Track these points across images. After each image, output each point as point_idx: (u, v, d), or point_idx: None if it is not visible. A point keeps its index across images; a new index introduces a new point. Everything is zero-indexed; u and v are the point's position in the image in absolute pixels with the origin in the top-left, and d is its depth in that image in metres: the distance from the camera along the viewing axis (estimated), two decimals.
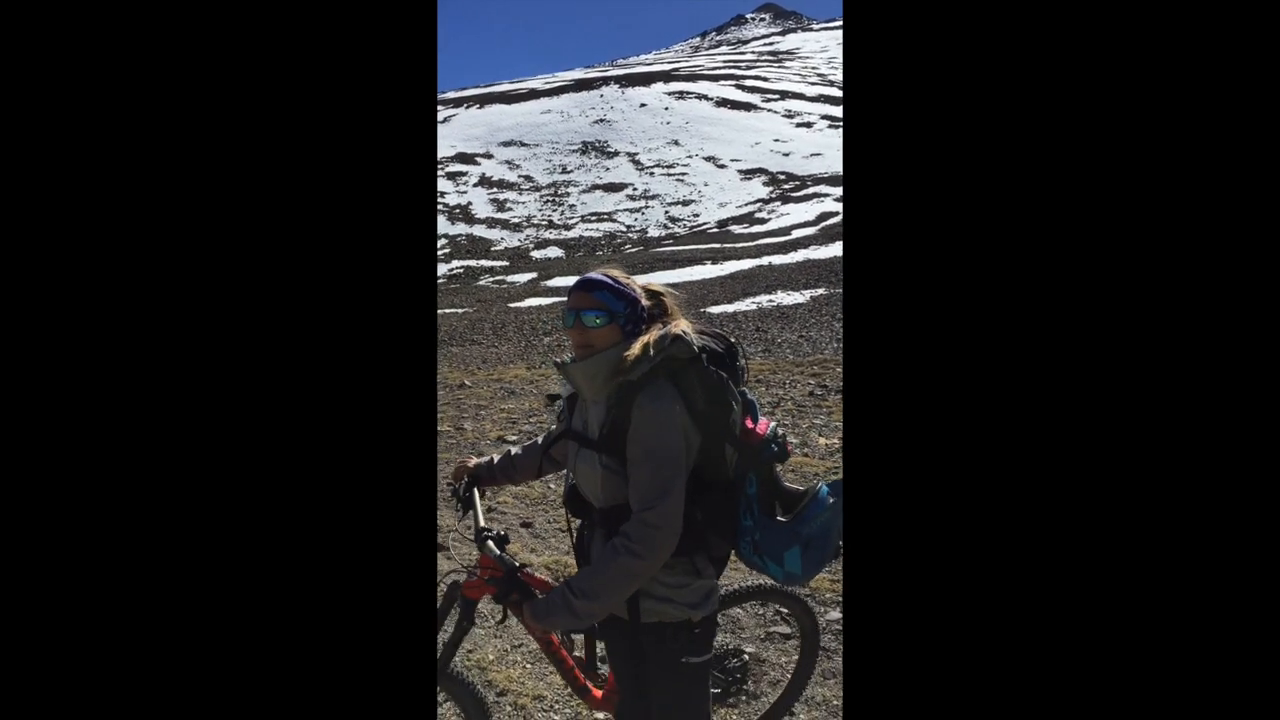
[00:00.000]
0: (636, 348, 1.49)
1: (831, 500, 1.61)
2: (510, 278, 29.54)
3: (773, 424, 1.63)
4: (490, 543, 1.80)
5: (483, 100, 73.57)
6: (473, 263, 35.89)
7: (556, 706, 2.60)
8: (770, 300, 14.92)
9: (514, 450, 2.00)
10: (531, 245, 39.73)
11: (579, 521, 1.75)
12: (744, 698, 2.42)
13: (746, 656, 2.39)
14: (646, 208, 44.92)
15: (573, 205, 47.04)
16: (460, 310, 18.84)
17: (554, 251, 37.61)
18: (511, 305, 21.09)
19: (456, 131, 62.29)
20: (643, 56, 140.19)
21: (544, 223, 44.25)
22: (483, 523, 1.88)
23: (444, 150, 56.99)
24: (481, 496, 2.02)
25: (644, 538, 1.45)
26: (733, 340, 1.64)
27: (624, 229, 41.72)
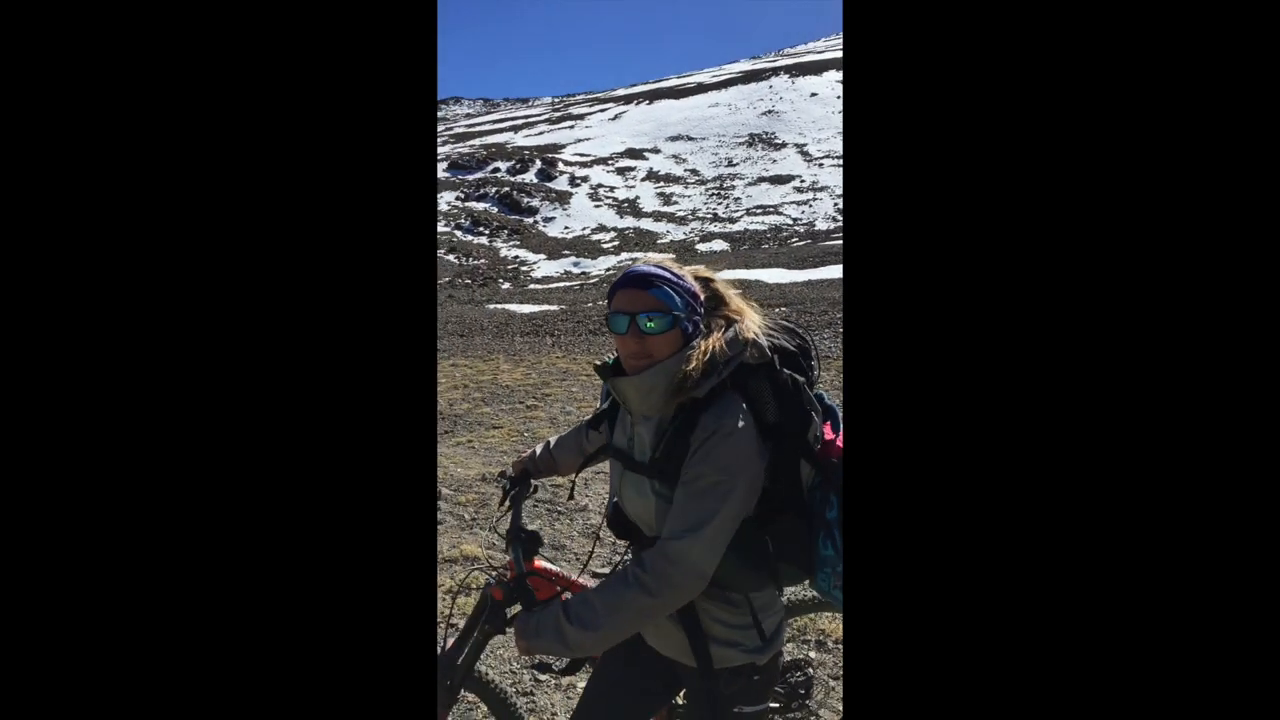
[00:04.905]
0: (700, 358, 1.26)
1: None
2: None
3: None
4: (515, 544, 1.69)
5: (652, 96, 75.18)
6: (640, 255, 37.10)
7: None
8: None
9: (552, 441, 1.86)
10: (697, 238, 40.38)
11: (626, 544, 1.51)
12: (804, 714, 2.20)
13: (811, 671, 2.17)
14: (815, 200, 44.12)
15: (738, 198, 47.13)
16: None
17: (719, 245, 38.00)
18: None
19: (626, 128, 64.24)
20: (811, 45, 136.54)
21: (709, 216, 44.74)
22: (522, 521, 1.76)
23: (614, 146, 58.98)
24: (533, 492, 1.88)
25: (660, 573, 1.24)
26: (803, 333, 1.40)
27: (790, 222, 41.30)
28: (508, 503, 1.84)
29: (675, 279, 1.32)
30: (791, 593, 2.12)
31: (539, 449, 1.87)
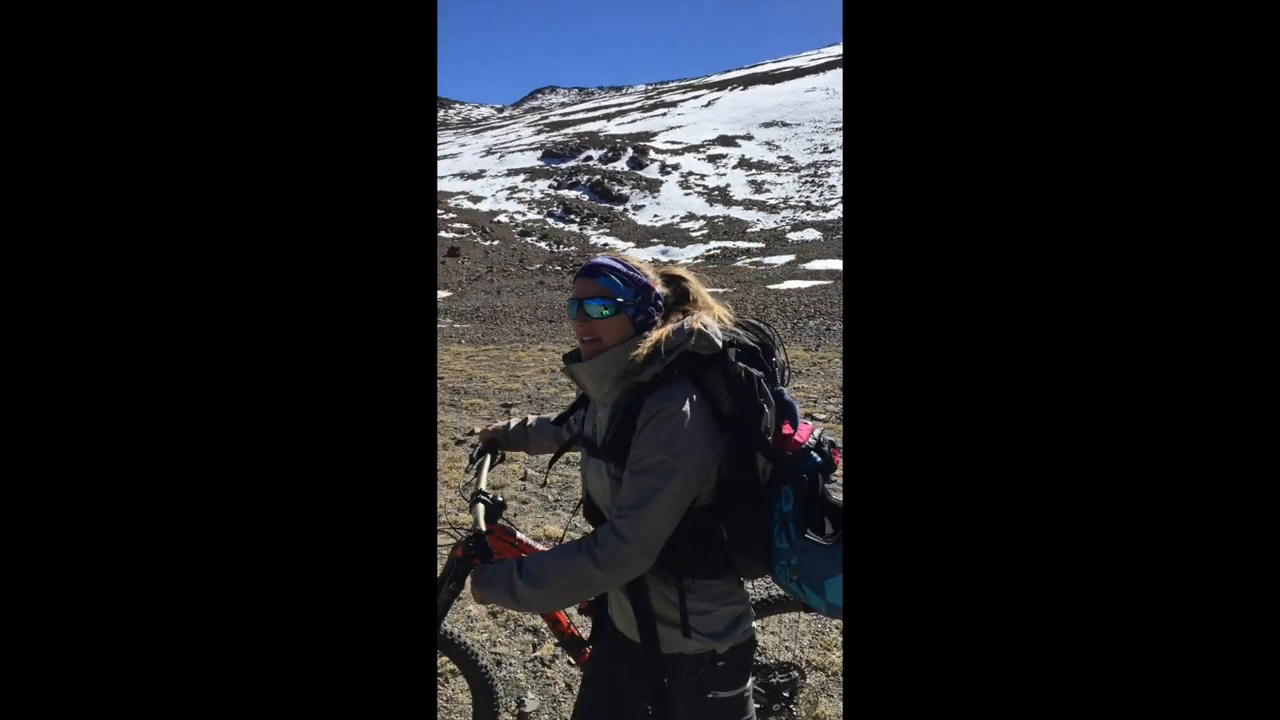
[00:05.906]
0: (647, 345, 1.34)
1: None
2: (767, 259, 29.87)
3: (817, 430, 1.45)
4: (479, 506, 1.75)
5: (746, 82, 74.21)
6: (729, 244, 36.77)
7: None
8: None
9: (530, 420, 1.95)
10: (788, 227, 39.63)
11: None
12: (787, 717, 2.12)
13: (795, 674, 2.09)
14: None
15: (832, 186, 45.91)
16: (721, 290, 19.53)
17: (811, 234, 37.15)
18: (770, 287, 21.35)
19: (719, 115, 63.64)
20: None
21: (801, 204, 43.82)
22: (484, 486, 1.84)
23: (706, 134, 58.57)
24: (500, 460, 1.98)
25: (608, 546, 1.32)
26: (769, 332, 1.47)
27: None
28: (475, 471, 1.94)
29: (625, 271, 1.42)
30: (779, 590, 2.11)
31: (514, 423, 1.98)
